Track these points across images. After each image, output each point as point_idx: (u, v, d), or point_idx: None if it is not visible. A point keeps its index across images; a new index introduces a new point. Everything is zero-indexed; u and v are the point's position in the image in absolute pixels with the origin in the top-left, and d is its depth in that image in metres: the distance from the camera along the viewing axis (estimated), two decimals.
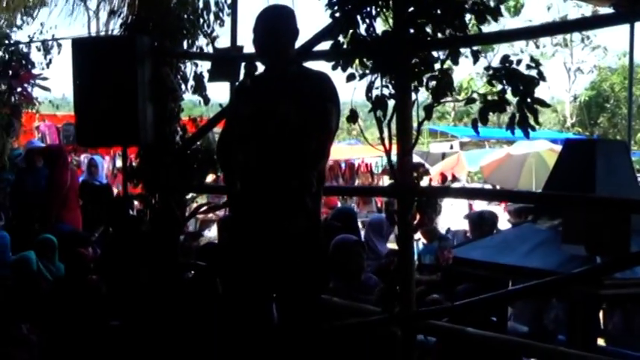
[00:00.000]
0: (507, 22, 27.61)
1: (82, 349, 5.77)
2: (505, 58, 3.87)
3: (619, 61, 35.16)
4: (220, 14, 6.23)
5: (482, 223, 7.37)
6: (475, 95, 4.01)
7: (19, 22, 9.28)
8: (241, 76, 4.27)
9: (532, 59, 3.82)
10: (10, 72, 9.25)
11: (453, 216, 12.09)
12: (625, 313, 5.91)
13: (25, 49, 9.32)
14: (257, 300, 4.06)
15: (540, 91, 3.81)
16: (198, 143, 5.99)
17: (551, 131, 30.98)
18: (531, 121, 3.76)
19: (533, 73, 3.79)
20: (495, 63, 4.01)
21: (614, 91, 36.18)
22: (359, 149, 21.53)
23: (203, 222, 13.47)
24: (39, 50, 9.19)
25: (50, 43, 8.99)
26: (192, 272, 6.06)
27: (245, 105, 4.03)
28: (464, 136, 23.60)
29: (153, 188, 5.93)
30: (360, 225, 9.24)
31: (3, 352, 5.74)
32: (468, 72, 31.26)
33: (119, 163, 12.45)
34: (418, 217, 4.19)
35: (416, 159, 4.70)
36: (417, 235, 4.46)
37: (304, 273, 3.97)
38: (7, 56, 9.25)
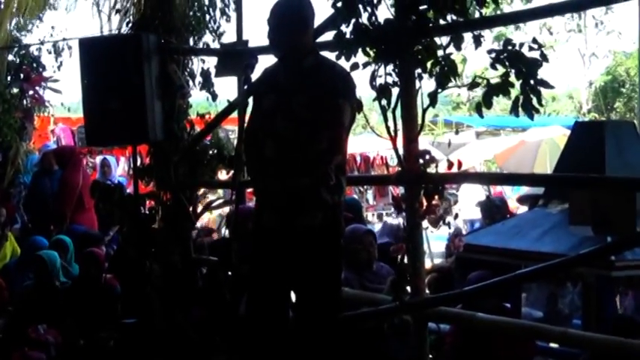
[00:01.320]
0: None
1: (97, 349, 5.81)
2: (508, 41, 3.86)
3: (634, 45, 34.87)
4: (226, 10, 6.24)
5: (491, 208, 7.36)
6: (479, 80, 4.00)
7: (28, 26, 9.30)
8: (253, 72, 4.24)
9: (534, 40, 3.80)
10: (22, 75, 9.31)
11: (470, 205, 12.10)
12: (637, 295, 5.87)
13: (35, 52, 9.37)
14: (274, 294, 4.06)
15: (555, 79, 3.80)
16: (208, 139, 6.01)
17: (567, 118, 30.75)
18: (535, 103, 3.74)
19: (537, 55, 3.78)
20: None
21: (629, 76, 35.87)
22: (374, 142, 21.50)
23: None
24: (50, 53, 9.23)
25: (61, 45, 9.02)
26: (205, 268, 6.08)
27: (265, 98, 4.04)
28: (479, 125, 23.51)
29: (164, 185, 5.95)
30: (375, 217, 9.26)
31: (20, 353, 5.79)
32: (483, 62, 31.10)
33: None
34: (425, 204, 4.18)
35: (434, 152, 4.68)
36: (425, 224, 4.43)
37: (322, 267, 3.97)
38: (18, 60, 9.29)
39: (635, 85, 34.61)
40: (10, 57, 9.28)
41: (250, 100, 4.27)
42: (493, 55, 3.85)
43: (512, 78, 3.83)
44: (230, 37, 6.14)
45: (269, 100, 4.00)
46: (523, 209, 9.68)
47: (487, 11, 4.21)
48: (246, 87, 4.26)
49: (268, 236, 4.03)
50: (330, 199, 3.92)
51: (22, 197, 9.23)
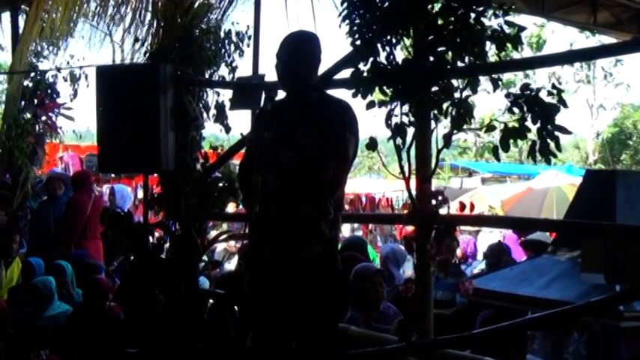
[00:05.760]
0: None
1: None
2: (525, 86, 3.88)
3: None
4: (240, 44, 6.28)
5: (500, 253, 7.35)
6: (495, 123, 4.01)
7: (45, 52, 9.36)
8: (262, 103, 4.28)
9: (553, 86, 3.81)
10: (36, 101, 9.36)
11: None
12: None
13: (51, 79, 9.43)
14: (274, 327, 4.05)
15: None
16: (218, 172, 6.03)
17: (575, 168, 30.80)
18: (553, 148, 3.74)
19: (554, 100, 3.80)
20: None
21: (636, 128, 36.04)
22: (380, 183, 21.57)
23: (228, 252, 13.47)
24: (65, 81, 9.28)
25: (77, 74, 9.07)
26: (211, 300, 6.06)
27: (265, 130, 4.04)
28: (485, 171, 23.56)
29: (173, 215, 5.95)
30: None
31: None
32: (490, 108, 31.28)
33: (141, 194, 12.53)
34: (436, 245, 4.17)
35: None
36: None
37: (320, 300, 3.96)
38: (33, 85, 9.34)
39: None
40: (26, 82, 9.32)
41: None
42: (511, 98, 3.86)
43: (529, 122, 3.83)
44: (244, 71, 6.20)
45: (272, 132, 4.01)
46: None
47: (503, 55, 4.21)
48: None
49: (266, 268, 4.02)
50: (329, 232, 3.95)
51: (27, 221, 9.22)
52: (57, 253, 7.97)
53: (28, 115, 9.36)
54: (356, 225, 13.70)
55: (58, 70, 9.23)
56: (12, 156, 9.23)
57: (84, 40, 8.10)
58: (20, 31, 9.58)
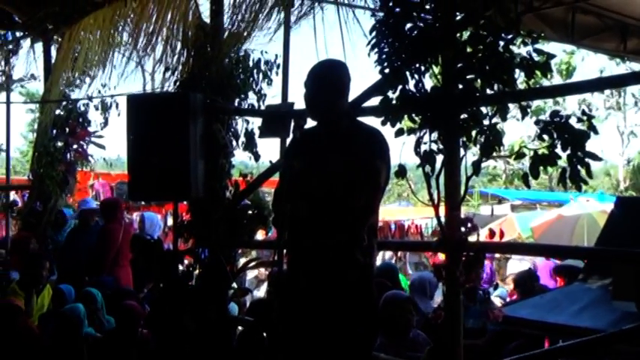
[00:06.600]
0: None
1: None
2: (555, 113, 3.87)
3: None
4: (269, 73, 6.33)
5: (530, 281, 7.30)
6: (525, 150, 4.00)
7: (77, 81, 9.48)
8: (292, 132, 4.30)
9: (583, 113, 3.80)
10: (67, 129, 9.47)
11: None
12: None
13: (82, 108, 9.54)
14: (306, 357, 4.04)
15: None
16: (248, 200, 6.05)
17: (605, 195, 30.54)
18: (583, 175, 3.72)
19: (584, 127, 3.78)
20: None
21: None
22: (409, 211, 21.52)
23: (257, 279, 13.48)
24: (97, 109, 9.38)
25: (109, 102, 9.17)
26: (241, 327, 6.07)
27: (297, 159, 4.05)
28: (515, 198, 23.43)
29: (203, 243, 5.98)
30: None
31: None
32: (520, 135, 31.15)
33: (170, 221, 12.59)
34: (466, 272, 4.15)
35: None
36: None
37: (354, 327, 3.94)
38: (65, 114, 9.46)
39: None
40: (58, 111, 9.44)
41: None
42: (540, 125, 3.85)
43: (559, 149, 3.82)
44: (273, 99, 6.23)
45: (303, 162, 4.02)
46: None
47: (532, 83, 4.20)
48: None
49: (300, 296, 4.01)
50: (363, 259, 3.92)
51: (49, 250, 9.26)
52: (90, 280, 8.01)
53: (60, 144, 9.47)
54: (389, 254, 13.64)
55: (90, 99, 9.35)
56: (43, 184, 9.33)
57: (115, 69, 8.20)
58: (53, 61, 9.72)
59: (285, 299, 4.13)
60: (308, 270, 3.98)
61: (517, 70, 3.98)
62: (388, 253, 13.99)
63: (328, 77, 4.06)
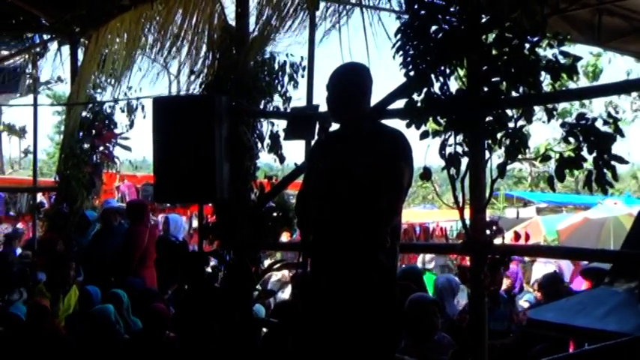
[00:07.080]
0: None
1: None
2: (581, 116, 3.85)
3: None
4: (294, 76, 6.34)
5: (556, 283, 7.26)
6: (551, 153, 3.98)
7: (103, 84, 9.54)
8: (316, 134, 4.31)
9: (609, 115, 3.78)
10: (94, 131, 9.53)
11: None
12: None
13: (108, 110, 9.60)
14: (329, 358, 4.04)
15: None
16: (273, 202, 6.06)
17: (632, 198, 30.33)
18: (609, 178, 3.70)
19: (611, 130, 3.76)
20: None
21: None
22: (434, 213, 21.45)
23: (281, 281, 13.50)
24: (122, 112, 9.43)
25: (134, 105, 9.22)
26: (265, 329, 6.09)
27: (321, 162, 4.06)
28: (540, 201, 23.29)
29: (228, 245, 6.00)
30: None
31: None
32: (546, 137, 30.96)
33: (195, 223, 12.64)
34: (490, 275, 4.14)
35: None
36: None
37: (377, 329, 3.94)
38: (91, 116, 9.52)
39: None
40: (84, 113, 9.50)
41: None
42: (566, 128, 3.83)
43: (585, 152, 3.80)
44: (298, 102, 6.25)
45: (326, 164, 4.02)
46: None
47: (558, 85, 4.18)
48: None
49: (323, 297, 4.02)
50: (386, 261, 3.92)
51: (74, 253, 9.32)
52: (116, 281, 8.05)
53: (86, 146, 9.53)
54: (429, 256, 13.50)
55: (116, 101, 9.39)
56: (69, 186, 9.40)
57: (141, 72, 8.26)
58: (79, 63, 9.79)
59: (308, 301, 4.14)
60: (331, 272, 3.98)
61: (543, 73, 3.97)
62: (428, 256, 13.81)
63: (350, 80, 4.07)
